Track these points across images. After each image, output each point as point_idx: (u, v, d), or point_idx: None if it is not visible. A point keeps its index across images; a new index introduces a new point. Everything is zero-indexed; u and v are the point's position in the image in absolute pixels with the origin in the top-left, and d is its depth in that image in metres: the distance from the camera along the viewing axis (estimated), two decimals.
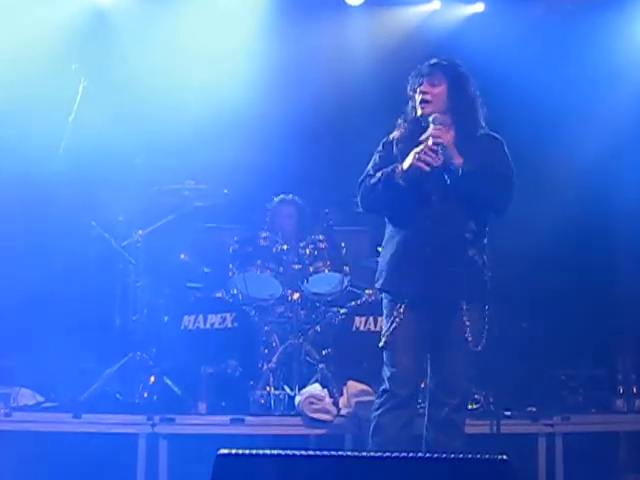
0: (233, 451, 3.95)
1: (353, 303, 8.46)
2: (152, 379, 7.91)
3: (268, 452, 4.00)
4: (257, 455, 3.97)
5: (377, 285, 6.23)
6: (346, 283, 8.45)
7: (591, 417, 8.00)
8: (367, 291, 8.55)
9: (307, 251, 8.43)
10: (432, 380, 6.15)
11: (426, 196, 5.97)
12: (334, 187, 9.46)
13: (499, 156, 6.06)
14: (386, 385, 6.11)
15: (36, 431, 7.34)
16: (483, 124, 6.11)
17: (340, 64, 9.76)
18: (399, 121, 6.27)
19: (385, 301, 6.21)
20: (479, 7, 9.95)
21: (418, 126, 6.05)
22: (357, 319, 8.35)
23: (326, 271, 8.43)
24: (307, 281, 8.35)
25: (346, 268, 8.45)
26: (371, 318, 8.30)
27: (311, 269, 8.39)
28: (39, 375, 8.04)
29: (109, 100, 8.76)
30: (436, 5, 9.96)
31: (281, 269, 8.37)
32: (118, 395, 7.82)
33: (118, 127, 8.68)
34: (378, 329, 8.25)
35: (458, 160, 5.83)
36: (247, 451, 3.97)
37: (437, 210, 5.95)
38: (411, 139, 6.02)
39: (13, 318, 8.18)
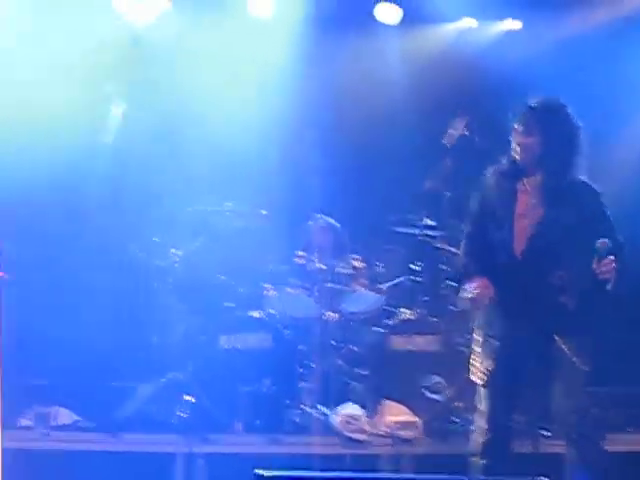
0: (269, 471, 3.94)
1: (389, 322, 8.44)
2: (189, 398, 7.90)
3: (304, 472, 3.99)
4: (293, 476, 3.96)
5: (474, 324, 6.04)
6: (382, 302, 8.43)
7: (627, 436, 7.92)
8: (403, 310, 8.53)
9: (343, 270, 8.42)
10: (553, 403, 5.92)
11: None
12: (370, 206, 9.46)
13: (596, 213, 5.79)
14: (482, 420, 5.93)
15: (74, 450, 7.35)
16: (579, 174, 5.84)
17: (376, 82, 9.77)
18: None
19: (481, 334, 5.98)
20: (516, 24, 9.94)
21: (514, 169, 5.87)
22: (394, 338, 8.34)
23: (362, 290, 8.43)
24: (343, 300, 8.35)
25: (382, 287, 8.42)
26: (408, 337, 8.28)
27: (347, 288, 8.39)
28: (77, 394, 8.08)
29: (145, 120, 8.83)
30: (472, 22, 9.96)
31: (317, 288, 8.36)
32: (155, 414, 7.83)
33: (155, 147, 8.74)
34: (415, 348, 8.25)
35: None
36: (283, 471, 3.96)
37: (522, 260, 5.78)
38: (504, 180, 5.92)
39: (49, 338, 8.23)
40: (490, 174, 5.96)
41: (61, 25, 8.95)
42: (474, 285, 5.72)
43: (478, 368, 5.90)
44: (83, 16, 9.01)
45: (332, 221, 8.85)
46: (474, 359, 5.96)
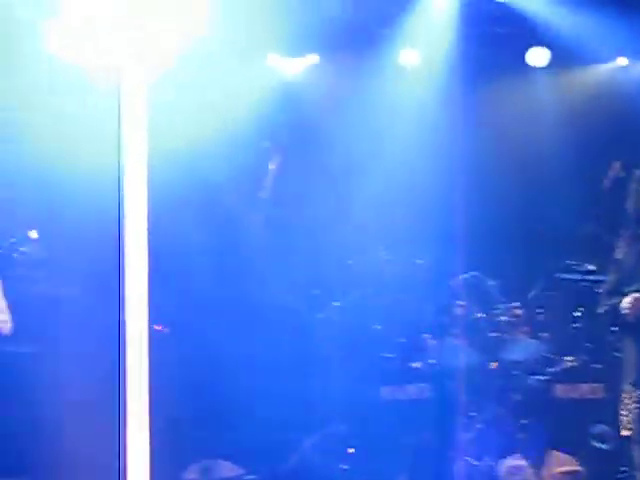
0: None
1: (552, 370, 8.29)
2: (351, 450, 7.91)
3: None
4: None
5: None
6: (544, 350, 8.31)
7: None
8: (567, 358, 8.37)
9: (503, 318, 8.35)
10: None
11: None
12: (530, 252, 9.34)
13: None
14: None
15: None
16: None
17: (528, 126, 9.67)
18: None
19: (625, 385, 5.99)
20: None
21: None
22: (558, 386, 8.19)
23: (523, 338, 8.32)
24: (504, 349, 8.26)
25: (544, 334, 8.30)
26: (572, 385, 8.12)
27: (508, 336, 8.31)
28: (240, 447, 8.16)
29: (302, 174, 8.95)
30: (623, 61, 9.78)
31: (478, 337, 8.30)
32: (318, 467, 7.85)
33: (309, 201, 8.86)
34: (579, 396, 8.07)
35: None
36: None
37: None
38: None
39: (211, 391, 8.35)
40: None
41: (218, 79, 9.12)
42: (629, 299, 5.63)
43: (625, 420, 5.78)
44: (238, 70, 9.19)
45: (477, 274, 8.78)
46: (622, 412, 5.83)
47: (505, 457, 7.60)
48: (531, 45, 9.60)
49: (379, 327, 8.69)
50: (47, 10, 7.66)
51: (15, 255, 7.03)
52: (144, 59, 3.71)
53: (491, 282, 8.73)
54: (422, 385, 8.26)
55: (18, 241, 7.07)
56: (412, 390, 8.24)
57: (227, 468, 7.88)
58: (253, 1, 8.04)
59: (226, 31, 8.10)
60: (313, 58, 9.69)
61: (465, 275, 8.77)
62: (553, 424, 7.99)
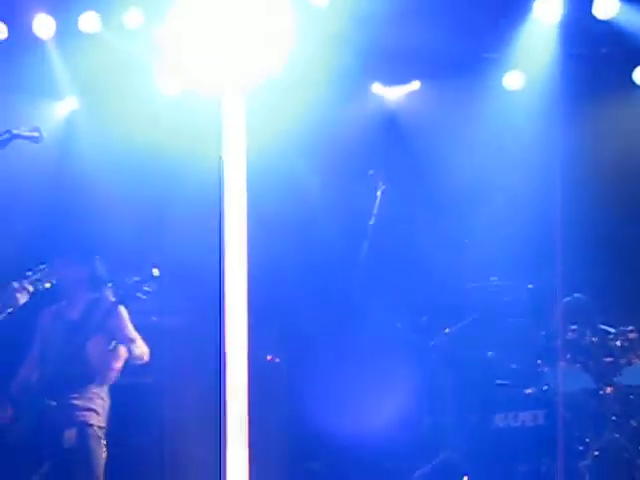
0: None
1: None
2: (465, 479, 7.84)
3: None
4: None
5: None
6: None
7: None
8: None
9: (618, 343, 8.20)
10: None
11: None
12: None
13: None
14: None
15: None
16: None
17: (632, 147, 9.52)
18: None
19: None
20: None
21: None
22: None
23: (638, 362, 8.16)
24: (620, 373, 8.12)
25: None
26: None
27: (623, 361, 8.16)
28: (350, 477, 8.15)
29: (406, 200, 8.94)
30: None
31: (592, 362, 8.17)
32: None
33: (414, 226, 8.84)
34: None
35: None
36: None
37: None
38: None
39: (319, 421, 8.35)
40: None
41: (316, 105, 9.15)
42: None
43: None
44: (342, 97, 9.21)
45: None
46: None
47: None
48: (637, 64, 9.45)
49: (491, 353, 8.61)
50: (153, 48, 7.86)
51: (139, 294, 7.06)
52: (243, 87, 3.73)
53: (598, 304, 8.61)
54: (536, 412, 8.14)
55: (142, 279, 7.09)
56: (526, 417, 8.13)
57: None
58: (355, 29, 8.10)
59: (329, 58, 8.19)
60: (415, 85, 9.69)
61: (569, 298, 8.64)
62: None
